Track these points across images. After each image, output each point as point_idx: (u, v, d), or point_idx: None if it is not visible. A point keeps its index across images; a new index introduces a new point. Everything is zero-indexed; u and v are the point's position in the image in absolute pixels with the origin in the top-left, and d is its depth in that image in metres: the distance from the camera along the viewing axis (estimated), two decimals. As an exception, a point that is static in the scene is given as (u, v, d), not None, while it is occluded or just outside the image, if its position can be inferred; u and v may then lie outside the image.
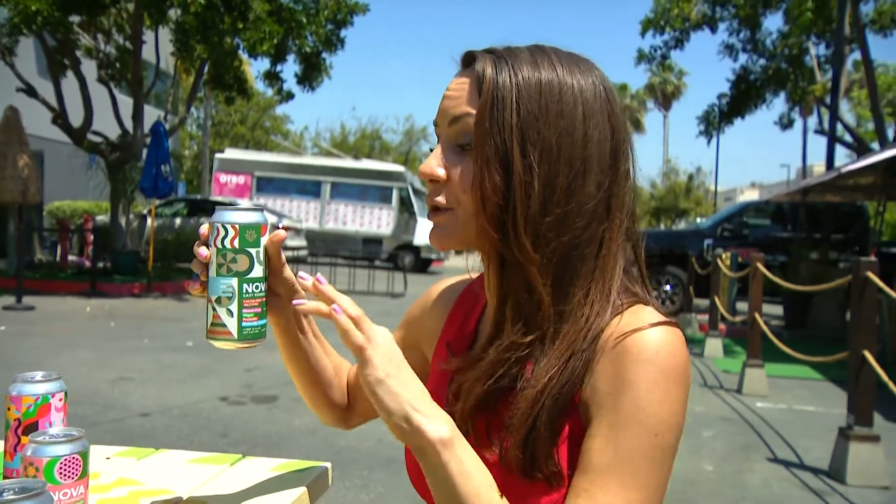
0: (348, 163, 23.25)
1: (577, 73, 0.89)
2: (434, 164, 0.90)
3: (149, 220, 14.12)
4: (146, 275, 12.12)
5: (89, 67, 13.59)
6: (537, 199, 0.85)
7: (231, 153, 23.06)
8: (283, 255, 1.00)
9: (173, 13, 11.97)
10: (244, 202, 1.01)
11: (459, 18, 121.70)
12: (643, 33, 16.65)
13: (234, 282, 0.95)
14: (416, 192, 21.56)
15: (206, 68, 13.66)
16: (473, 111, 0.87)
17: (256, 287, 0.96)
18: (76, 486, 0.94)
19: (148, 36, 13.05)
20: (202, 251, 0.96)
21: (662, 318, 0.86)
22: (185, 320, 9.31)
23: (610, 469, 0.79)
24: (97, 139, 13.20)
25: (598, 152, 0.87)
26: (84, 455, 0.97)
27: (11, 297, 9.46)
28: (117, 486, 1.21)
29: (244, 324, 0.96)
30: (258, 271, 0.96)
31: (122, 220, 14.00)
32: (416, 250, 20.65)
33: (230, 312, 0.96)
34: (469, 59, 0.91)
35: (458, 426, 0.84)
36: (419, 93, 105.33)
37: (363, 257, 19.48)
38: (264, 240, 0.97)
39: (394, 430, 0.79)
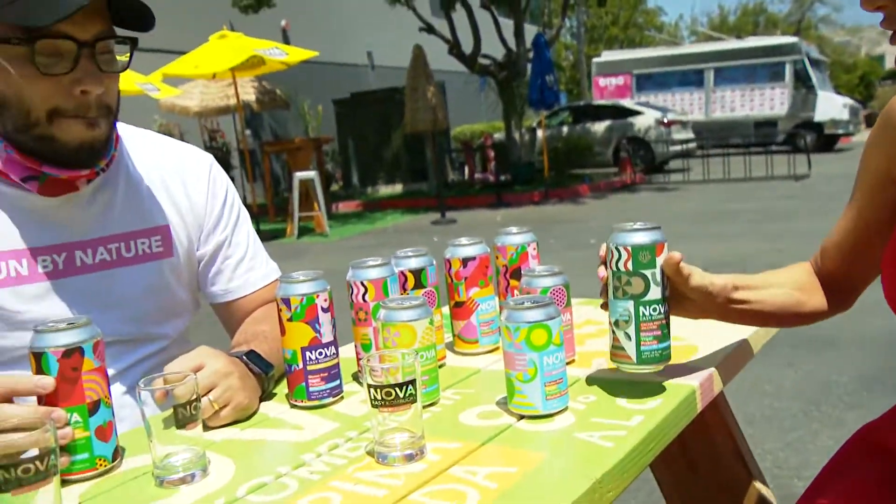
0: (731, 44, 21.64)
1: None
2: None
3: (539, 132, 14.87)
4: (543, 183, 12.87)
5: (473, -3, 14.55)
6: None
7: (607, 55, 22.99)
8: (687, 267, 0.95)
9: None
10: (639, 223, 0.97)
11: None
12: None
13: (631, 305, 0.95)
14: (813, 62, 19.31)
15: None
16: None
17: (654, 309, 0.94)
18: (564, 312, 1.10)
19: (519, -47, 13.49)
20: (600, 272, 0.99)
21: None
22: (584, 221, 9.72)
23: None
24: (486, 62, 14.17)
25: None
26: (567, 287, 1.12)
27: (436, 213, 10.81)
28: (586, 324, 1.37)
29: (643, 347, 0.96)
30: (655, 293, 0.94)
31: (516, 135, 14.95)
32: (818, 127, 18.63)
33: (628, 336, 0.96)
34: None
35: None
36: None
37: (757, 143, 18.17)
38: (660, 260, 0.94)
39: None
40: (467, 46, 13.75)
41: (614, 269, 0.96)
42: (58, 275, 1.14)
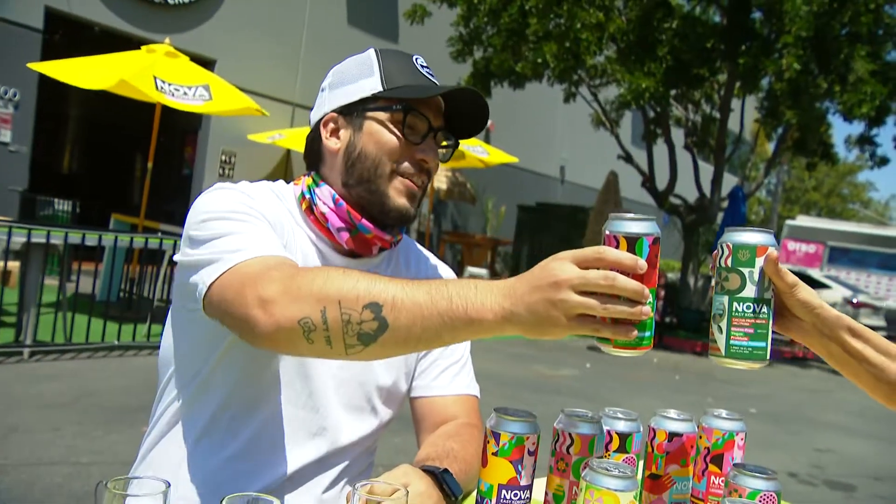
0: (949, 238, 20.15)
1: None
2: None
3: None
4: (709, 334, 12.34)
5: (677, 135, 14.59)
6: None
7: (802, 220, 22.10)
8: (791, 276, 0.99)
9: (765, 81, 12.11)
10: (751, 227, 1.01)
11: None
12: None
13: (725, 300, 0.98)
14: None
15: (787, 134, 13.45)
16: None
17: (748, 307, 0.96)
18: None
19: (734, 104, 13.43)
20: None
21: None
22: (745, 385, 9.18)
23: None
24: (676, 202, 14.03)
25: None
26: (778, 495, 1.06)
27: (592, 337, 10.61)
28: (778, 532, 1.28)
29: (732, 342, 0.98)
30: (750, 291, 0.96)
31: (690, 280, 14.55)
32: None
33: (720, 329, 0.99)
34: None
35: None
36: None
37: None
38: (761, 261, 0.96)
39: None
40: (661, 181, 13.71)
41: (717, 265, 1.00)
42: None
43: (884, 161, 13.34)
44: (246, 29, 12.15)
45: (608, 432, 1.16)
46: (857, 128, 12.59)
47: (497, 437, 1.05)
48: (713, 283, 1.03)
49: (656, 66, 11.01)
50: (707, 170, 14.10)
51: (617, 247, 0.93)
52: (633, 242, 0.93)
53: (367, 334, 0.97)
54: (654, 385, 8.42)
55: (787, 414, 7.65)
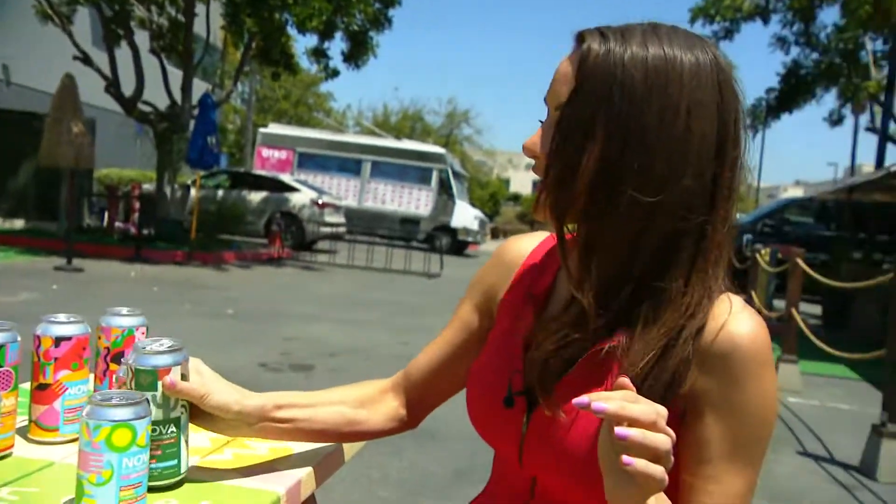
0: (389, 142, 23.39)
1: (688, 56, 0.87)
2: (534, 140, 0.94)
3: (192, 191, 14.39)
4: (188, 243, 12.38)
5: (142, 38, 13.85)
6: (630, 181, 0.85)
7: (274, 128, 23.32)
8: (206, 387, 0.99)
9: (226, -13, 12.17)
10: (164, 340, 1.00)
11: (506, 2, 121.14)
12: (692, 21, 16.45)
13: None
14: (455, 174, 21.61)
15: (253, 43, 13.85)
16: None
17: (154, 430, 0.94)
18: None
19: (199, 9, 13.24)
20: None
21: (745, 307, 0.90)
22: (225, 289, 9.51)
23: (732, 456, 0.87)
24: (147, 109, 13.47)
25: (700, 144, 0.86)
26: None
27: (62, 258, 9.75)
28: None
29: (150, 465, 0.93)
30: (156, 414, 0.94)
31: (168, 190, 14.29)
32: (452, 232, 20.73)
33: None
34: (579, 39, 0.91)
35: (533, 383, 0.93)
36: (462, 76, 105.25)
37: (400, 237, 19.64)
38: (161, 384, 0.95)
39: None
40: (128, 87, 12.96)
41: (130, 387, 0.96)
42: None
43: (336, 73, 14.69)
44: None
45: (-26, 349, 1.02)
46: (314, 41, 13.53)
47: None
48: None
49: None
50: (177, 76, 13.77)
51: None
52: None
53: None
54: (131, 298, 8.13)
55: (263, 311, 8.16)
